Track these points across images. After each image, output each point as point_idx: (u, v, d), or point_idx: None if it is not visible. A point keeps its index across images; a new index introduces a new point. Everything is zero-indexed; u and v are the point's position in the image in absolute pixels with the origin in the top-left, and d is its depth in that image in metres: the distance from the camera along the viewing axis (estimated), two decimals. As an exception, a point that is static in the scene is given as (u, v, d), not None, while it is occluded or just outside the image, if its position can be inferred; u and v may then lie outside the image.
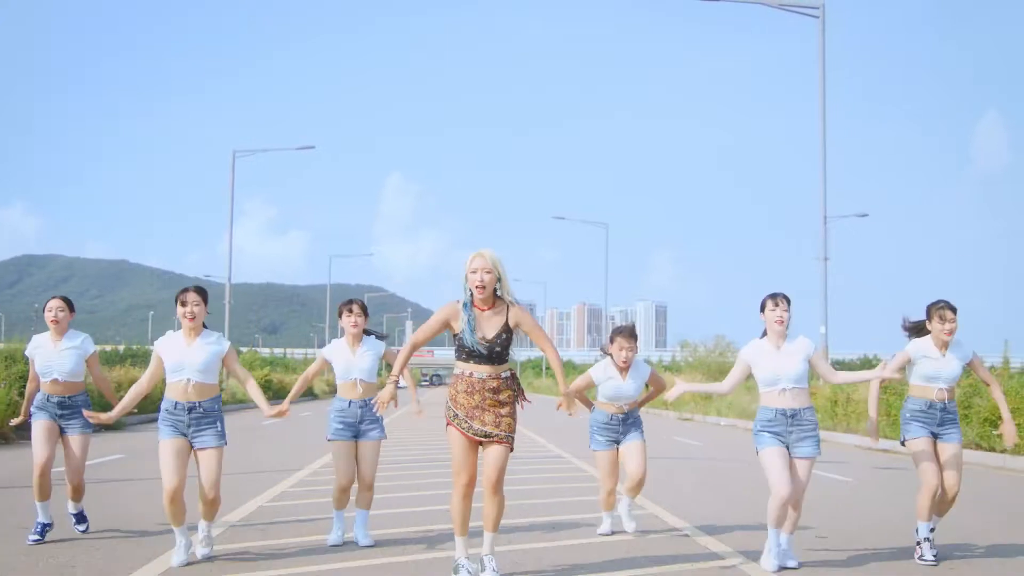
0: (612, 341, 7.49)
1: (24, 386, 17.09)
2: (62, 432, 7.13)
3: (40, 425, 7.08)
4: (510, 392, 5.69)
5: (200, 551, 6.34)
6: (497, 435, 5.61)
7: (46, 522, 7.00)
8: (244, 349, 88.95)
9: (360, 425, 7.06)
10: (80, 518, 7.28)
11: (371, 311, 7.51)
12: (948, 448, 6.79)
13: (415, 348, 5.88)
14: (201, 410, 6.21)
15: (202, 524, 6.35)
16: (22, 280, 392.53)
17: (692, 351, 54.08)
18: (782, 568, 6.20)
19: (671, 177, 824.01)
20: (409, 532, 7.52)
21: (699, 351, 52.76)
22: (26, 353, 7.28)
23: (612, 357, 7.45)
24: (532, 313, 5.95)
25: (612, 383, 7.42)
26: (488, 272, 5.55)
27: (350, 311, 7.14)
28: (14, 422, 7.92)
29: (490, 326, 5.62)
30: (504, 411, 5.65)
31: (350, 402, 7.08)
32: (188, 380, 6.17)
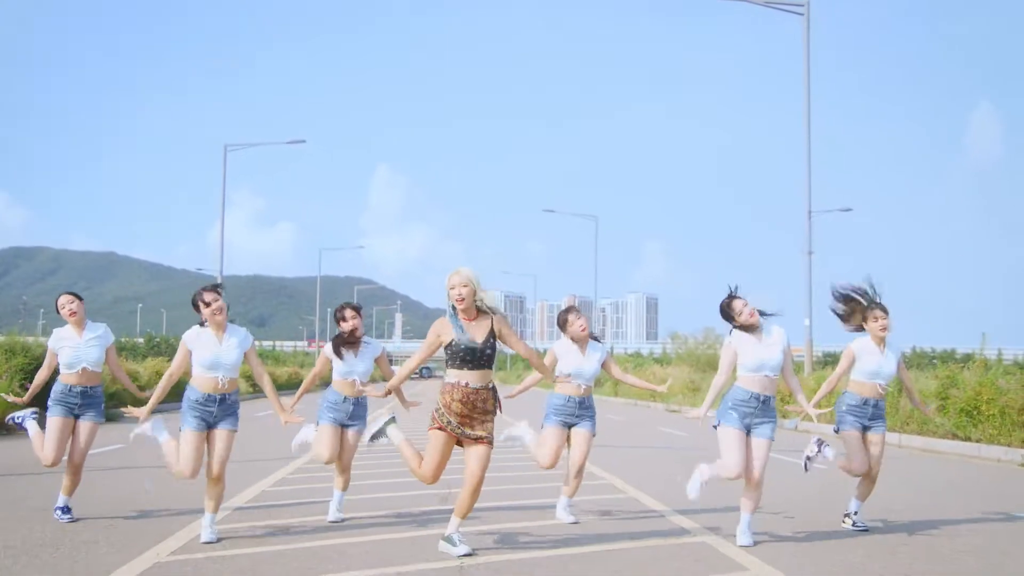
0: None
1: (24, 378, 17.45)
2: (75, 419, 7.49)
3: (55, 422, 7.43)
4: (492, 402, 6.35)
5: (205, 535, 6.62)
6: (482, 436, 6.27)
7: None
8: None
9: (347, 419, 7.59)
10: (65, 510, 7.42)
11: (361, 303, 7.91)
12: (875, 439, 7.66)
13: (417, 366, 6.64)
14: (229, 401, 6.74)
15: (207, 516, 6.65)
16: (9, 272, 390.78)
17: (682, 343, 54.37)
18: (743, 546, 6.66)
19: (661, 171, 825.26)
20: (404, 512, 7.92)
21: (689, 343, 53.06)
22: (49, 345, 7.61)
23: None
24: (522, 306, 6.47)
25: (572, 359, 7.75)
26: (465, 286, 6.19)
27: (342, 318, 7.57)
28: (11, 398, 8.12)
29: (478, 332, 6.24)
30: (488, 418, 6.33)
31: (345, 398, 7.57)
32: (220, 379, 6.66)
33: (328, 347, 7.64)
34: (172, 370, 6.76)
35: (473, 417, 6.23)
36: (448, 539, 6.25)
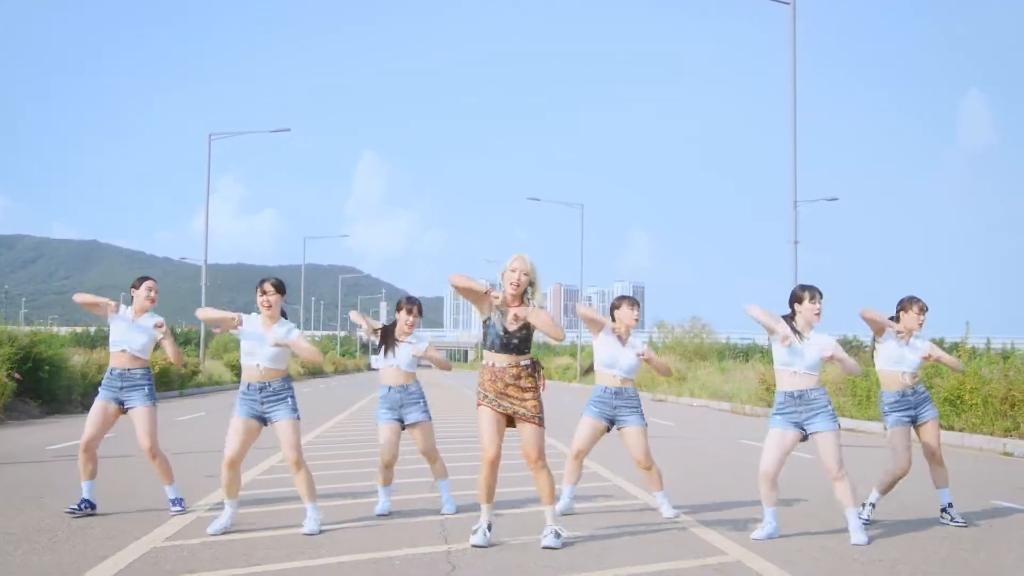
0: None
1: (12, 368, 17.49)
2: (124, 408, 7.47)
3: (99, 405, 7.44)
4: (531, 379, 6.34)
5: (309, 527, 6.65)
6: (524, 413, 6.27)
7: (89, 499, 7.35)
8: (217, 330, 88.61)
9: (401, 410, 7.68)
10: (175, 502, 7.48)
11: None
12: (929, 426, 7.74)
13: (467, 283, 6.27)
14: (271, 389, 6.80)
15: (307, 507, 6.74)
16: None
17: (669, 332, 54.37)
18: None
19: (647, 160, 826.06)
20: (394, 500, 7.99)
21: (676, 332, 53.09)
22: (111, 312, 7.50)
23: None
24: None
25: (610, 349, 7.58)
26: (526, 275, 6.27)
27: (410, 311, 7.71)
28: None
29: (511, 320, 6.25)
30: (528, 395, 6.30)
31: (390, 387, 7.70)
32: (258, 365, 6.78)
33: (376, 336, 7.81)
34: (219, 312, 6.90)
35: (508, 393, 6.25)
36: (552, 532, 6.31)
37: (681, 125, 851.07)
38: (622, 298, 7.74)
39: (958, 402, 15.92)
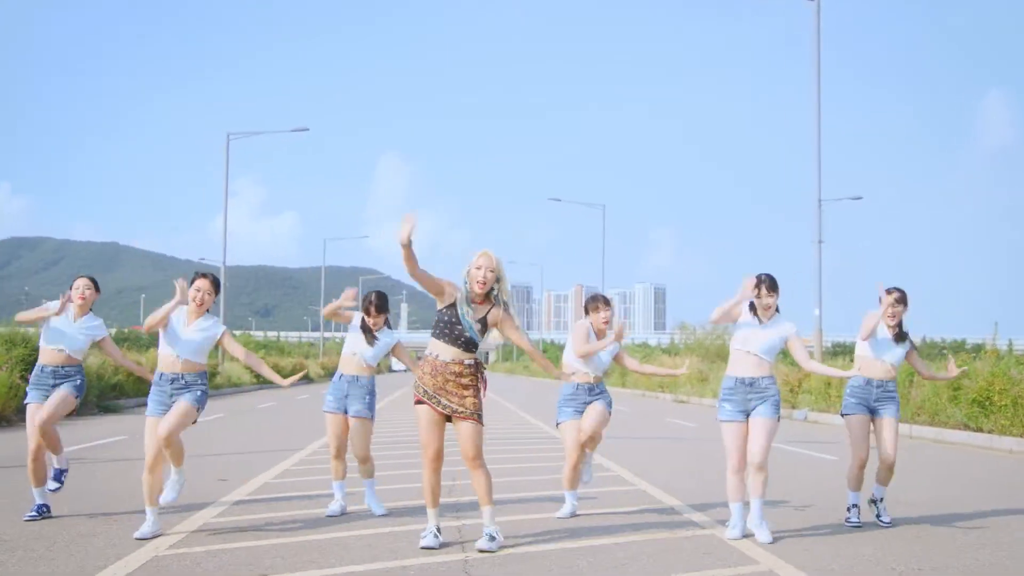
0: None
1: (25, 369, 17.33)
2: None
3: (31, 409, 7.25)
4: (472, 377, 6.14)
5: (166, 496, 6.59)
6: (463, 412, 6.07)
7: (43, 503, 7.23)
8: (238, 332, 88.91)
9: (345, 400, 7.52)
10: (56, 475, 7.33)
11: (365, 293, 7.82)
12: (885, 422, 7.38)
13: (417, 267, 6.00)
14: (184, 381, 6.62)
15: (172, 469, 6.68)
16: (11, 263, 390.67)
17: (691, 334, 54.02)
18: (744, 537, 6.58)
19: (669, 159, 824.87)
20: (407, 504, 7.77)
21: (697, 334, 52.72)
22: (47, 305, 7.39)
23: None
24: (528, 296, 6.25)
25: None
26: (492, 271, 6.05)
27: (367, 311, 7.54)
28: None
29: (474, 315, 6.09)
30: (467, 393, 6.11)
31: (341, 375, 7.56)
32: (177, 357, 6.61)
33: (359, 319, 7.58)
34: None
35: (447, 390, 6.05)
36: (487, 535, 6.10)
37: (704, 124, 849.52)
38: (596, 298, 7.62)
39: (987, 403, 15.55)
